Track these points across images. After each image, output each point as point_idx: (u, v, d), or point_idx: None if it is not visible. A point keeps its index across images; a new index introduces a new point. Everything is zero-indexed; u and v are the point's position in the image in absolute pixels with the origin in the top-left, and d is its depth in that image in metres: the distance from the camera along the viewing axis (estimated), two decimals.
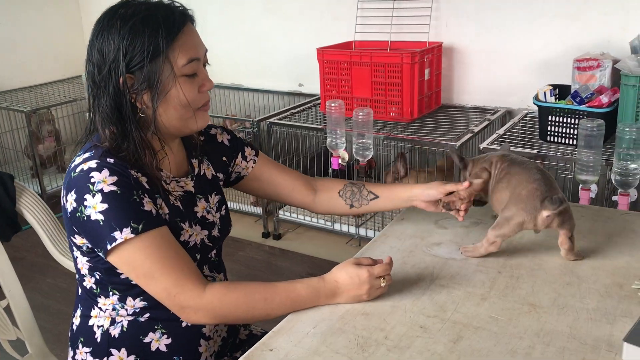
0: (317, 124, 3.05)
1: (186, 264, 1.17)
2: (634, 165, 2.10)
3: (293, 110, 3.24)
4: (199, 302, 1.15)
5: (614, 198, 2.20)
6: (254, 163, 1.49)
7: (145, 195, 1.16)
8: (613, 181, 2.16)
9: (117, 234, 1.11)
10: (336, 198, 1.51)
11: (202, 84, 1.22)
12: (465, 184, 1.39)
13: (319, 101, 3.25)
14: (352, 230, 3.05)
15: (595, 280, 1.27)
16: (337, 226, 3.10)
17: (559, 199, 1.26)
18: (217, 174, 1.42)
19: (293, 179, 1.50)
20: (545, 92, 2.52)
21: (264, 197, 1.56)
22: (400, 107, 2.89)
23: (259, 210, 3.40)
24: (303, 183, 1.51)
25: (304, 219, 3.20)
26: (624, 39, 2.55)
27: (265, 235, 3.33)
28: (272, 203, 3.26)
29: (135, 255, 1.13)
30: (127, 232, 1.11)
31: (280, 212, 3.27)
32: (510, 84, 2.99)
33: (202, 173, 1.37)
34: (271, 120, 3.11)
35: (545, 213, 1.27)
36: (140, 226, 1.12)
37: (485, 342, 1.08)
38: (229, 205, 1.44)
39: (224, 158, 1.45)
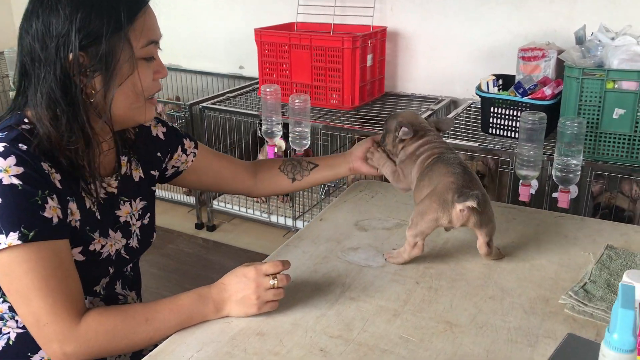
0: (253, 110, 2.88)
1: (70, 290, 1.00)
2: (574, 162, 2.01)
3: (230, 95, 3.06)
4: (70, 336, 0.98)
5: (555, 195, 2.11)
6: (194, 156, 1.36)
7: (53, 197, 0.99)
8: (554, 177, 2.07)
9: (1, 237, 0.94)
10: (277, 174, 1.46)
11: (157, 70, 1.10)
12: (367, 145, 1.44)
13: (257, 85, 3.08)
14: (290, 222, 2.91)
15: (521, 293, 1.15)
16: (274, 218, 2.95)
17: (475, 195, 1.14)
18: (148, 175, 1.25)
19: (232, 166, 1.43)
20: (488, 82, 2.41)
21: (201, 188, 1.48)
22: (341, 94, 2.74)
23: (192, 199, 3.21)
24: (243, 168, 1.44)
25: (240, 210, 3.03)
26: (570, 28, 2.45)
27: (199, 226, 3.15)
28: (206, 192, 3.08)
29: (14, 267, 0.95)
30: (13, 237, 0.94)
31: (215, 202, 3.10)
32: (455, 73, 2.88)
33: (128, 174, 1.20)
34: (204, 104, 2.92)
35: (459, 207, 1.16)
36: (32, 234, 0.95)
37: None
38: (158, 193, 1.28)
39: (159, 154, 1.29)
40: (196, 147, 1.36)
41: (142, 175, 1.23)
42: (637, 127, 2.04)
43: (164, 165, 1.31)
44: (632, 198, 2.19)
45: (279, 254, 1.31)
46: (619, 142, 2.08)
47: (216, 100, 2.98)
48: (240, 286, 1.07)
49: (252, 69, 3.36)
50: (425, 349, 1.00)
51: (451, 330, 1.05)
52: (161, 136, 1.30)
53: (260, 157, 3.00)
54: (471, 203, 1.14)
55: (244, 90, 3.15)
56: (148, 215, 1.23)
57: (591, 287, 1.14)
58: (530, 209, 1.51)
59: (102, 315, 1.01)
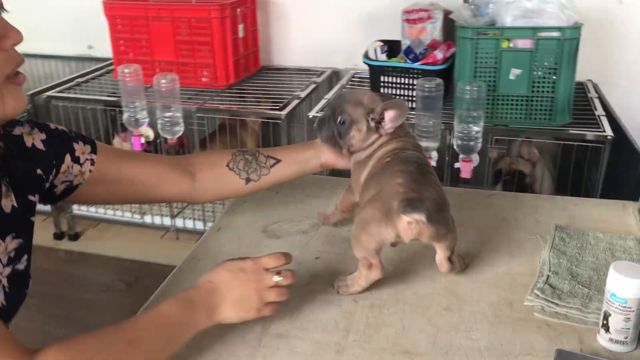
0: (111, 96, 2.47)
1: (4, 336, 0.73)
2: (476, 128, 1.88)
3: (80, 80, 2.62)
4: None
5: (457, 165, 1.98)
6: (91, 164, 0.99)
7: None
8: (455, 147, 1.93)
9: None
10: (225, 173, 1.11)
11: (3, 33, 0.77)
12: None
13: (113, 67, 2.66)
14: (167, 221, 2.56)
15: (478, 299, 0.96)
16: (147, 218, 2.58)
17: (424, 206, 0.89)
18: (25, 202, 0.88)
19: (155, 168, 1.07)
20: (375, 49, 2.22)
21: (117, 202, 1.15)
22: (213, 71, 2.42)
23: (46, 206, 2.74)
24: (171, 168, 1.09)
25: (106, 213, 2.63)
26: None
27: (58, 236, 2.69)
28: None
29: None
30: None
31: (75, 206, 2.66)
32: (334, 42, 2.66)
33: None
34: (50, 93, 2.45)
35: (405, 219, 0.91)
36: None
37: None
38: None
39: (39, 171, 0.91)
40: (94, 151, 1.00)
41: (16, 204, 0.87)
42: (534, 87, 1.95)
43: (47, 185, 0.95)
44: (532, 161, 2.12)
45: (172, 283, 1.01)
46: (517, 104, 1.99)
47: (63, 87, 2.52)
48: (236, 283, 0.86)
49: (103, 49, 2.91)
50: None
51: None
52: (40, 145, 0.92)
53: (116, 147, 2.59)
54: (419, 216, 0.89)
55: (96, 73, 2.71)
56: (25, 257, 0.87)
57: (555, 281, 0.97)
58: (456, 189, 1.32)
59: (67, 351, 0.74)
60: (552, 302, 0.92)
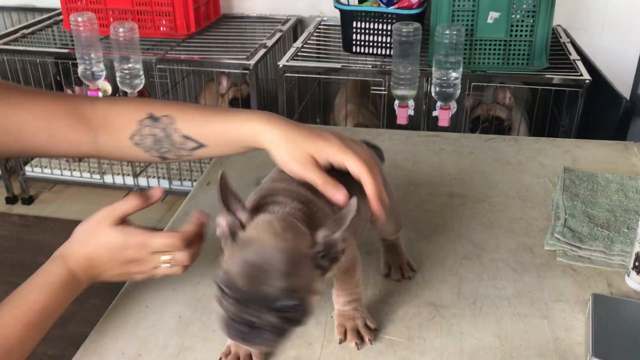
0: (62, 48, 2.28)
1: None
2: (454, 74, 1.82)
3: (26, 31, 2.41)
4: None
5: (435, 113, 1.92)
6: None
7: None
8: (433, 94, 1.87)
9: None
10: (131, 148, 0.82)
11: None
12: None
13: (61, 17, 2.46)
14: (129, 180, 2.42)
15: (497, 246, 0.91)
16: (108, 178, 2.44)
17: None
18: None
19: (47, 119, 0.80)
20: None
21: (3, 157, 0.92)
22: (172, 19, 2.26)
23: None
24: (68, 121, 0.81)
25: (63, 174, 2.46)
26: None
27: (11, 200, 2.52)
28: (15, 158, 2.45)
29: None
30: None
31: (27, 167, 2.48)
32: None
33: None
34: None
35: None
36: None
37: None
38: None
39: None
40: None
41: None
42: (512, 31, 1.89)
43: None
44: (507, 106, 2.09)
45: None
46: (495, 49, 1.93)
47: (8, 39, 2.31)
48: (116, 264, 0.74)
49: None
50: (421, 352, 0.72)
51: (440, 315, 0.77)
52: None
53: None
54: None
55: (43, 24, 2.50)
56: None
57: (574, 224, 0.93)
58: (453, 134, 1.26)
59: None
60: (574, 246, 0.88)
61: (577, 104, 1.88)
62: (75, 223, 0.77)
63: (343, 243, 0.63)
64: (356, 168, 0.68)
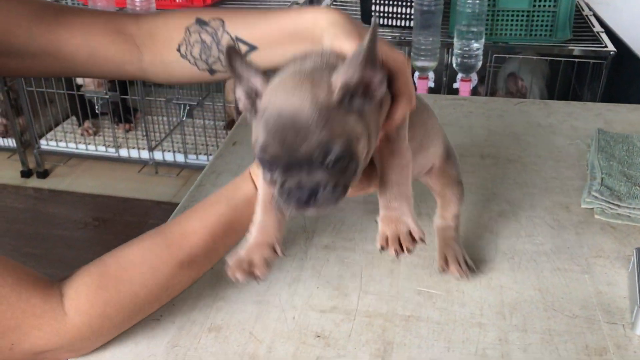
0: None
1: (20, 272, 0.61)
2: (476, 45, 1.79)
3: None
4: (64, 333, 0.60)
5: (455, 85, 1.89)
6: None
7: None
8: (454, 65, 1.84)
9: None
10: (178, 61, 0.76)
11: None
12: None
13: None
14: (145, 154, 2.41)
15: (533, 204, 0.89)
16: (123, 152, 2.43)
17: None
18: None
19: (87, 37, 0.74)
20: None
21: (38, 75, 0.90)
22: None
23: (11, 142, 2.55)
24: (110, 39, 0.75)
25: (78, 148, 2.46)
26: None
27: (26, 174, 2.52)
28: (29, 130, 2.44)
29: None
30: None
31: (42, 141, 2.48)
32: None
33: None
34: None
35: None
36: None
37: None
38: None
39: None
40: None
41: None
42: (535, 1, 1.86)
43: None
44: (521, 93, 2.03)
45: (194, 197, 0.91)
46: (517, 20, 1.89)
47: None
48: None
49: None
50: (460, 304, 0.70)
51: (478, 269, 0.75)
52: None
53: (80, 80, 2.38)
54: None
55: None
56: None
57: (611, 183, 0.90)
58: (480, 98, 1.25)
59: (102, 280, 0.63)
60: (612, 204, 0.86)
61: (600, 77, 1.84)
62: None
63: (371, 72, 0.55)
64: (397, 63, 0.60)
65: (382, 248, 0.59)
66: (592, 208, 0.87)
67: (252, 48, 0.72)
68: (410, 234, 0.59)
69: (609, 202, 0.86)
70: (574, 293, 0.71)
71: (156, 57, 0.76)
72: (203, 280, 0.71)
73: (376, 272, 0.75)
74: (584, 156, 1.00)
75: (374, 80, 0.55)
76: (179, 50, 0.75)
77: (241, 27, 0.73)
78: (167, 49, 0.75)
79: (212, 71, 0.76)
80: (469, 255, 0.76)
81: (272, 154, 0.53)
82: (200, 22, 0.74)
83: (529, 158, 1.00)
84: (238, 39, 0.73)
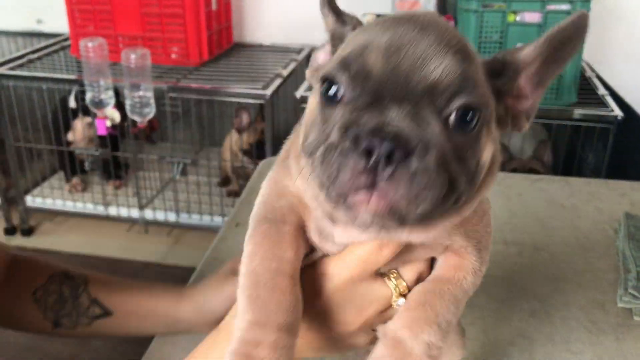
0: (69, 74, 2.20)
1: None
2: None
3: (32, 56, 2.33)
4: None
5: None
6: None
7: None
8: None
9: None
10: (26, 305, 0.72)
11: None
12: None
13: (68, 42, 2.39)
14: (135, 212, 2.32)
15: (565, 302, 0.81)
16: (112, 210, 2.33)
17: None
18: None
19: None
20: None
21: None
22: (184, 47, 2.19)
23: None
24: None
25: (65, 205, 2.36)
26: None
27: (10, 231, 2.41)
28: (16, 186, 2.35)
29: None
30: None
31: (29, 197, 2.38)
32: (313, 16, 2.42)
33: None
34: None
35: None
36: None
37: None
38: None
39: None
40: None
41: None
42: None
43: None
44: (547, 165, 1.95)
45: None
46: None
47: (13, 64, 2.23)
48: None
49: (54, 23, 2.65)
50: None
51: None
52: None
53: (70, 136, 2.33)
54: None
55: (50, 49, 2.42)
56: None
57: None
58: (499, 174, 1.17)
59: None
60: None
61: (606, 142, 1.80)
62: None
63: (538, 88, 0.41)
64: None
65: None
66: (631, 308, 0.79)
67: (105, 314, 0.73)
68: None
69: None
70: None
71: (9, 294, 0.73)
72: None
73: None
74: (612, 243, 0.94)
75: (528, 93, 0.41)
76: (35, 293, 0.72)
77: (104, 289, 0.74)
78: (24, 290, 0.73)
79: (56, 325, 0.73)
80: None
81: (372, 67, 0.34)
82: (65, 275, 0.75)
83: (555, 246, 0.93)
84: (95, 302, 0.73)
